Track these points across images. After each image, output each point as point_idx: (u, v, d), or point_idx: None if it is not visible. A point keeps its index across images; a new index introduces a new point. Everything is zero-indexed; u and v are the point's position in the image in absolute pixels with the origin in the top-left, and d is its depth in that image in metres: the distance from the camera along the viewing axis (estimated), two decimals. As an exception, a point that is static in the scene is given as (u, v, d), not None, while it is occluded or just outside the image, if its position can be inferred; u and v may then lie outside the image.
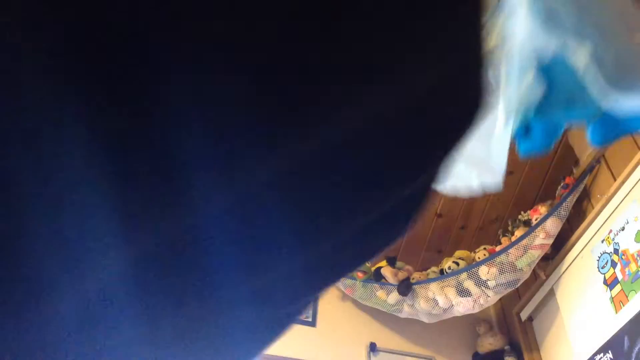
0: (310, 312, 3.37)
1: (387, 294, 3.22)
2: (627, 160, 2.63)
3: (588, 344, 2.65)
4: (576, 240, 2.88)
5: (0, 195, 0.25)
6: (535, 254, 2.92)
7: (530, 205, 3.22)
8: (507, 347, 3.26)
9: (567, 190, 2.94)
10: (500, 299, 3.18)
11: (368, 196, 0.30)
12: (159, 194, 0.27)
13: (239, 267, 0.29)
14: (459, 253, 3.26)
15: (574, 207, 2.95)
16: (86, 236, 0.27)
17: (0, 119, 0.24)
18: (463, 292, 3.01)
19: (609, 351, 2.47)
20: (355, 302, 3.44)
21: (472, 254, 3.21)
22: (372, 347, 3.24)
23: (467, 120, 0.31)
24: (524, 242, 2.93)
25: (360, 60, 0.25)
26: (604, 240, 2.70)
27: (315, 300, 1.23)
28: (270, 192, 0.27)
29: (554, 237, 2.91)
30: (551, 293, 3.07)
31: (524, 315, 3.27)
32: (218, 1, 0.24)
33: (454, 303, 3.04)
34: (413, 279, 3.21)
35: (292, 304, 0.36)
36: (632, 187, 2.56)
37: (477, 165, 1.05)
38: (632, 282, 2.44)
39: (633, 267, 2.45)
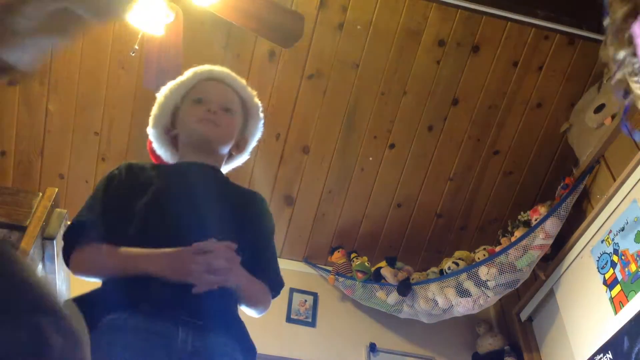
0: (310, 312, 3.37)
1: (387, 295, 3.22)
2: (626, 161, 2.63)
3: (588, 344, 2.65)
4: (576, 241, 2.88)
5: None
6: (535, 255, 2.92)
7: (530, 206, 3.22)
8: (506, 348, 3.25)
9: (567, 191, 2.94)
10: (500, 300, 3.18)
11: None
12: None
13: None
14: (458, 253, 3.26)
15: (573, 207, 2.94)
16: None
17: None
18: (463, 293, 3.01)
19: (609, 351, 2.47)
20: (355, 303, 3.43)
21: (472, 255, 3.20)
22: (372, 348, 3.24)
23: None
24: (524, 242, 2.93)
25: None
26: (603, 240, 2.70)
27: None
28: None
29: (554, 237, 2.91)
30: (551, 293, 3.06)
31: (523, 315, 3.26)
32: None
33: (453, 303, 3.04)
34: (413, 279, 3.20)
35: None
36: (632, 187, 2.56)
37: None
38: (631, 283, 2.44)
39: (633, 267, 2.45)
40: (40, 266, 1.97)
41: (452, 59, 3.08)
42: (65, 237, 1.32)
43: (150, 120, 1.56)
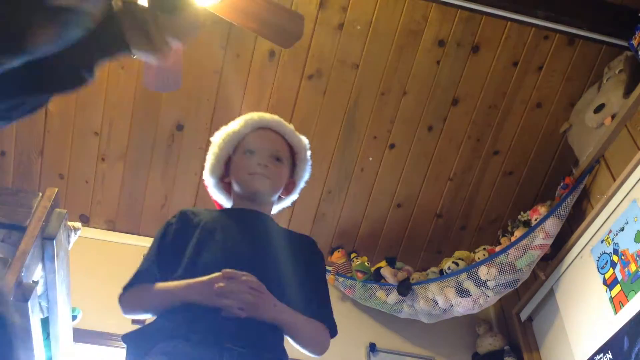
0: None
1: (387, 295, 3.22)
2: (626, 160, 2.63)
3: (588, 344, 2.65)
4: (576, 241, 2.88)
5: None
6: (535, 254, 2.92)
7: (530, 206, 3.22)
8: (506, 348, 3.25)
9: (567, 191, 2.94)
10: (500, 299, 3.18)
11: None
12: None
13: None
14: (458, 253, 3.26)
15: (573, 207, 2.95)
16: None
17: None
18: (463, 293, 3.01)
19: (609, 351, 2.47)
20: (355, 303, 3.43)
21: (472, 254, 3.20)
22: (372, 348, 3.24)
23: None
24: (524, 242, 2.93)
25: None
26: (603, 240, 2.70)
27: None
28: None
29: (554, 237, 2.91)
30: (551, 293, 3.06)
31: (523, 315, 3.27)
32: None
33: (453, 303, 3.04)
34: (413, 279, 3.20)
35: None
36: (632, 187, 2.56)
37: None
38: (631, 283, 2.44)
39: (632, 267, 2.45)
40: (40, 266, 1.97)
41: (452, 59, 3.08)
42: (125, 286, 1.42)
43: (207, 168, 1.63)
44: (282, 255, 1.47)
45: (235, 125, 1.63)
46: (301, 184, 1.68)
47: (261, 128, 1.61)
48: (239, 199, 1.58)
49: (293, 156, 1.64)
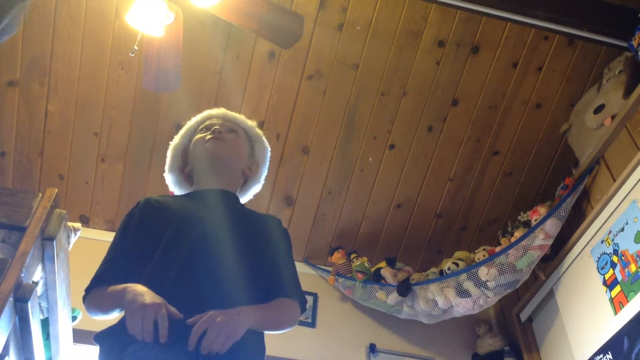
0: (310, 313, 3.37)
1: (387, 295, 3.22)
2: (626, 161, 2.63)
3: (588, 344, 2.65)
4: (576, 241, 2.88)
5: None
6: (535, 255, 2.92)
7: (530, 206, 3.22)
8: (506, 348, 3.25)
9: (567, 191, 2.94)
10: (499, 300, 3.18)
11: None
12: None
13: None
14: (458, 254, 3.26)
15: (573, 207, 2.95)
16: None
17: None
18: (463, 293, 3.01)
19: (609, 352, 2.47)
20: (355, 303, 3.43)
21: (472, 255, 3.20)
22: (372, 348, 3.24)
23: None
24: (524, 242, 2.93)
25: None
26: (603, 241, 2.70)
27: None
28: None
29: (554, 237, 2.91)
30: (551, 294, 3.06)
31: (523, 316, 3.27)
32: None
33: (453, 304, 3.04)
34: (413, 279, 3.20)
35: None
36: (632, 188, 2.56)
37: None
38: (631, 283, 2.44)
39: (632, 267, 2.45)
40: (39, 267, 1.97)
41: (451, 59, 3.08)
42: (87, 288, 1.42)
43: (166, 167, 1.70)
44: (251, 236, 1.47)
45: (188, 124, 1.75)
46: (264, 168, 1.74)
47: (212, 118, 1.72)
48: (201, 177, 1.59)
49: (250, 140, 1.72)
